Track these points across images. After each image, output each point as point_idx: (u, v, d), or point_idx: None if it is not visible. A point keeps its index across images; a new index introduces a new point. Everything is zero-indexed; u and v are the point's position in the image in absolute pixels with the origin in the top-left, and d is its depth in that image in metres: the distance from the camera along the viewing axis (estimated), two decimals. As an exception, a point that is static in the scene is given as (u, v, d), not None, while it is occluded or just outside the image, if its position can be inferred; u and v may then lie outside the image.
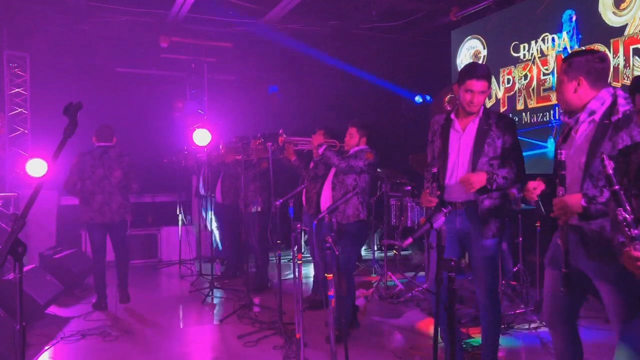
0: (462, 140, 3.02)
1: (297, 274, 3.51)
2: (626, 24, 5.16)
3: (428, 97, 8.61)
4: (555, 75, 5.98)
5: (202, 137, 7.37)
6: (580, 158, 2.27)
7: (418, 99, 8.61)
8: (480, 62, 7.16)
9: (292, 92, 9.18)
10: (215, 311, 5.17)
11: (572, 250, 2.28)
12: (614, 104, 2.24)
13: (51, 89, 7.31)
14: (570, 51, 5.77)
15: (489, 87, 2.98)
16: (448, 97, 5.48)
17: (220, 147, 6.21)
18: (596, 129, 2.26)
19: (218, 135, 7.41)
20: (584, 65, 2.29)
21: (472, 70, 2.95)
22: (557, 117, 5.90)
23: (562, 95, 2.36)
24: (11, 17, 6.86)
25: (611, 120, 2.22)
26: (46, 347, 4.15)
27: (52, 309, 5.00)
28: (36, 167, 6.19)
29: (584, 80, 2.27)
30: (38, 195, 1.80)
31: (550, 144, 5.93)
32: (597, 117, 2.28)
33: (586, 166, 2.22)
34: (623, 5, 5.19)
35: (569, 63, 2.34)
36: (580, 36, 5.66)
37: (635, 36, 5.04)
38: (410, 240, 1.74)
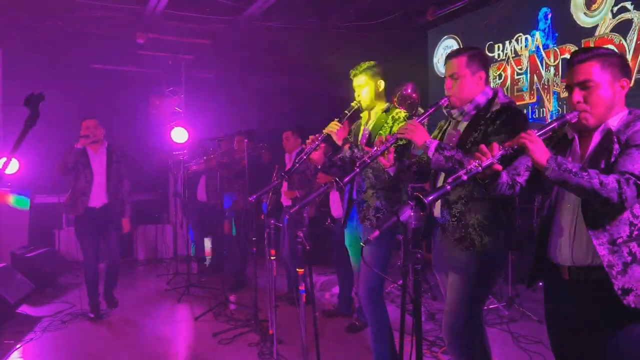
0: (364, 133, 3.16)
1: (271, 270, 3.50)
2: (597, 25, 5.27)
3: None
4: (530, 73, 6.08)
5: (179, 135, 7.33)
6: None
7: None
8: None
9: (271, 90, 9.17)
10: (191, 309, 5.14)
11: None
12: None
13: (24, 85, 7.05)
14: (543, 51, 5.87)
15: (370, 78, 3.17)
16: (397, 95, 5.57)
17: (205, 159, 6.22)
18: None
19: (195, 134, 7.38)
20: None
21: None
22: (535, 116, 6.00)
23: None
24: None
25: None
26: (17, 346, 4.09)
27: (24, 308, 4.93)
28: (9, 165, 6.06)
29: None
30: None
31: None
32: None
33: None
34: (594, 6, 5.30)
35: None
36: (557, 34, 5.75)
37: (605, 37, 5.15)
38: (377, 233, 1.76)
